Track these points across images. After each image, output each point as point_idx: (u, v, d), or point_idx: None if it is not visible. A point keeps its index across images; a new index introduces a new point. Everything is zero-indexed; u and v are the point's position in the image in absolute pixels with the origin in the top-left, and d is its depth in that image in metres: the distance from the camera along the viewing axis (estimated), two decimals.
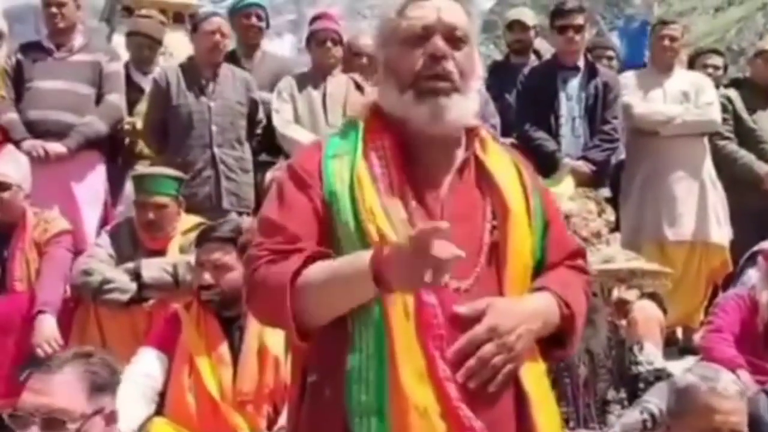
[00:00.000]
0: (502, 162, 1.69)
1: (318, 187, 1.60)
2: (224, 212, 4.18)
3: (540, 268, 1.67)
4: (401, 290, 1.48)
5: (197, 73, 4.40)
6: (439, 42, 1.60)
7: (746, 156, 4.82)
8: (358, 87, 4.53)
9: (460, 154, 1.66)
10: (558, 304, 1.61)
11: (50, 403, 1.88)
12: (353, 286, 1.49)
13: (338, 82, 4.57)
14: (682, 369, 2.68)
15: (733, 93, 5.01)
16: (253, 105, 4.48)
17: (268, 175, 4.33)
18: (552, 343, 1.65)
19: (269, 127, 4.51)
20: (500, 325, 1.52)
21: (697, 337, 3.96)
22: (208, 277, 2.96)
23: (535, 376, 1.59)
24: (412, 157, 1.63)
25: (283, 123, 4.44)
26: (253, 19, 4.90)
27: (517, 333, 1.53)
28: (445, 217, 1.57)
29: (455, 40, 1.62)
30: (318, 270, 1.53)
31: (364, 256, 1.48)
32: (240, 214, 4.21)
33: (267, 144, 4.58)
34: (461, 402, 1.49)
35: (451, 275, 1.48)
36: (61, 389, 1.91)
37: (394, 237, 1.51)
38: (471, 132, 1.70)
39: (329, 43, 4.56)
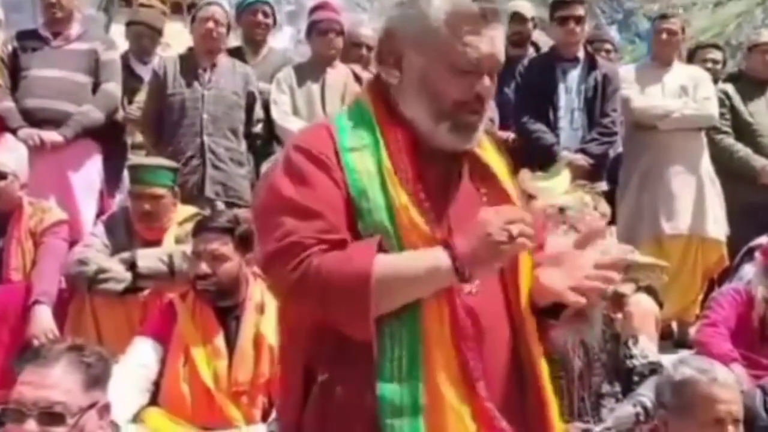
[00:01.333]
0: (496, 158, 1.70)
1: (339, 174, 1.53)
2: (208, 201, 4.17)
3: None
4: (482, 268, 1.49)
5: (195, 63, 4.39)
6: (488, 83, 1.57)
7: (743, 150, 4.82)
8: (358, 78, 4.52)
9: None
10: None
11: (49, 397, 1.86)
12: (430, 280, 1.48)
13: (337, 74, 4.55)
14: (672, 361, 2.68)
15: (730, 87, 5.01)
16: (251, 98, 4.46)
17: (264, 166, 4.32)
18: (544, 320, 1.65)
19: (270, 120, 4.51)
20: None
21: (692, 331, 3.97)
22: (205, 267, 2.96)
23: (545, 374, 1.62)
24: (421, 154, 1.60)
25: (282, 115, 4.43)
26: (260, 16, 4.89)
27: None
28: (454, 214, 1.58)
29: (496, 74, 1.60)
30: (391, 263, 1.47)
31: (434, 250, 1.48)
32: (229, 204, 4.19)
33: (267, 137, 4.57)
34: (490, 401, 1.51)
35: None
36: (59, 382, 1.89)
37: (426, 231, 1.51)
38: None
39: (332, 34, 4.55)
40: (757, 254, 3.55)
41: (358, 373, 1.50)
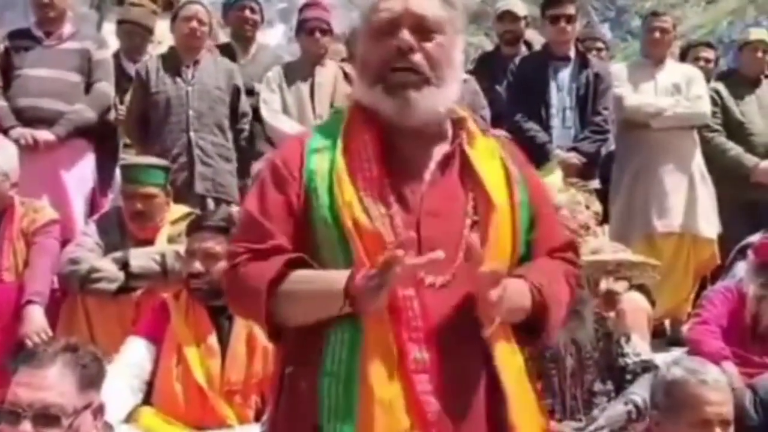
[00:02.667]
0: (489, 156, 1.66)
1: (297, 182, 1.60)
2: (198, 197, 4.16)
3: (524, 261, 1.65)
4: (367, 310, 1.49)
5: (177, 61, 4.37)
6: (405, 35, 1.58)
7: (735, 148, 4.83)
8: (347, 77, 4.52)
9: (444, 148, 1.64)
10: (531, 290, 1.59)
11: (44, 399, 1.87)
12: (327, 303, 1.51)
13: (327, 72, 4.55)
14: (665, 361, 2.69)
15: (721, 86, 5.01)
16: (236, 93, 4.45)
17: (255, 166, 4.32)
18: (527, 332, 1.63)
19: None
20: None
21: (685, 329, 3.99)
22: (198, 266, 2.96)
23: (514, 371, 1.58)
24: (393, 151, 1.61)
25: (271, 114, 4.43)
26: (247, 12, 4.88)
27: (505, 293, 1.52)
28: (423, 212, 1.57)
29: (425, 31, 1.59)
30: (296, 280, 1.55)
31: (339, 277, 1.50)
32: (218, 201, 4.19)
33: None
34: (430, 396, 1.49)
35: (426, 271, 1.50)
36: (55, 384, 1.89)
37: (371, 229, 1.52)
38: (457, 123, 1.67)
39: (318, 33, 4.55)
40: (750, 252, 3.56)
41: (313, 367, 1.53)
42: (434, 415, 1.48)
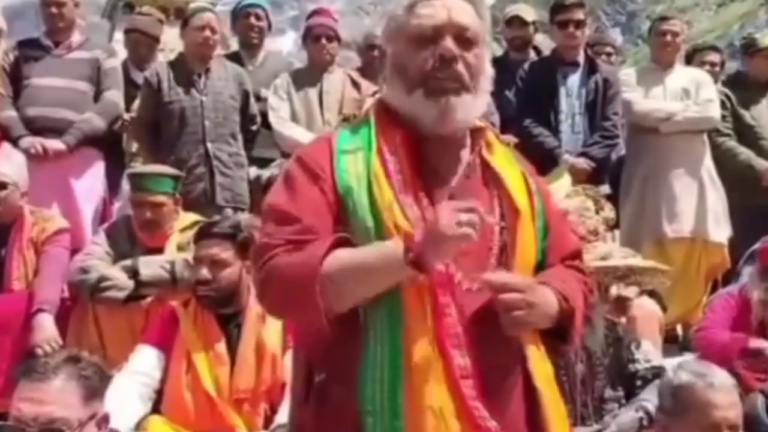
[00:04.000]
0: (508, 163, 1.69)
1: (330, 180, 1.59)
2: (219, 208, 4.18)
3: (539, 269, 1.67)
4: (434, 256, 1.47)
5: (188, 69, 4.38)
6: (449, 43, 1.59)
7: (745, 152, 4.81)
8: (354, 84, 4.53)
9: (466, 154, 1.66)
10: (558, 298, 1.60)
11: (50, 413, 1.86)
12: (385, 270, 1.49)
13: (335, 79, 4.56)
14: (672, 365, 2.67)
15: (730, 89, 4.98)
16: (245, 97, 4.47)
17: (265, 173, 4.33)
18: (552, 339, 1.65)
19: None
20: (529, 289, 1.54)
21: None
22: (205, 273, 2.96)
23: (545, 376, 1.60)
24: (422, 155, 1.62)
25: (280, 121, 4.44)
26: (252, 19, 4.90)
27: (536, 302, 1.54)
28: None
29: (465, 40, 1.61)
30: (345, 255, 1.51)
31: (394, 244, 1.49)
32: (235, 210, 4.20)
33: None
34: (477, 401, 1.50)
35: (462, 275, 1.52)
36: (59, 397, 1.88)
37: (411, 230, 1.52)
38: (476, 132, 1.69)
39: (324, 40, 4.56)
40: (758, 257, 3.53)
41: (349, 374, 1.52)
42: (484, 421, 1.50)
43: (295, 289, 1.50)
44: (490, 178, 1.65)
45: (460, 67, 1.60)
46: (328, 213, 1.57)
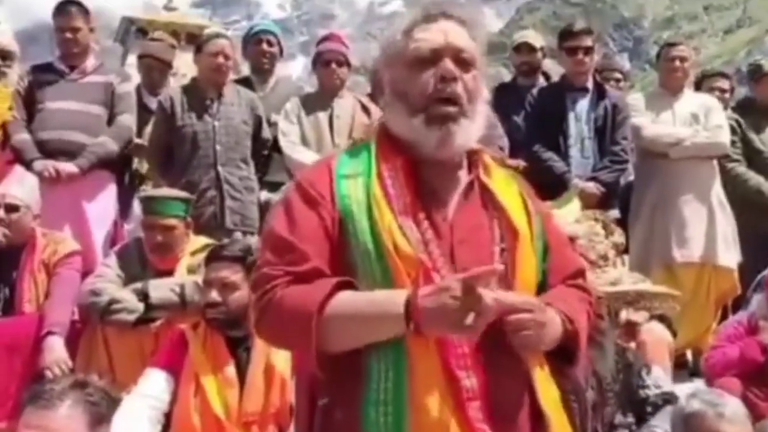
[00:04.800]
0: (506, 185, 1.70)
1: (329, 206, 1.60)
2: (228, 232, 4.20)
3: (540, 290, 1.67)
4: (434, 333, 1.47)
5: (201, 94, 4.43)
6: (449, 64, 1.61)
7: (755, 178, 4.81)
8: (365, 108, 4.56)
9: (463, 176, 1.68)
10: (561, 319, 1.61)
11: None
12: (382, 325, 1.49)
13: (345, 104, 4.59)
14: (685, 393, 2.67)
15: (739, 115, 4.99)
16: (258, 122, 4.50)
17: (275, 197, 4.34)
18: (557, 361, 1.64)
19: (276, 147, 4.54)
20: (538, 309, 1.55)
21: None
22: (214, 295, 2.96)
23: (552, 401, 1.59)
24: (421, 178, 1.63)
25: (290, 145, 4.46)
26: (264, 45, 4.94)
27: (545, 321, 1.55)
28: (455, 239, 1.59)
29: (463, 62, 1.63)
30: (345, 302, 1.52)
31: (396, 297, 1.48)
32: (244, 234, 4.22)
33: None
34: (483, 423, 1.49)
35: None
36: (65, 425, 1.87)
37: (411, 253, 1.53)
38: (473, 154, 1.70)
39: (333, 65, 4.59)
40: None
41: (352, 397, 1.52)
42: None
43: (292, 328, 1.53)
44: (489, 199, 1.66)
45: (460, 88, 1.62)
46: (325, 240, 1.58)
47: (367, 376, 1.52)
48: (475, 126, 1.65)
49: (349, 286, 1.54)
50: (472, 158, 1.70)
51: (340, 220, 1.59)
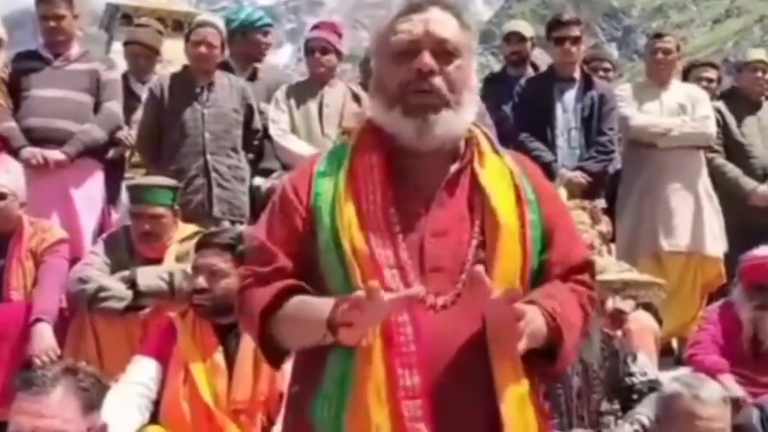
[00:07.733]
0: (498, 175, 1.65)
1: (304, 206, 1.62)
2: (215, 220, 4.19)
3: (537, 281, 1.63)
4: (347, 342, 1.50)
5: (191, 81, 4.41)
6: (426, 58, 1.58)
7: (733, 170, 4.83)
8: (355, 97, 4.55)
9: (455, 167, 1.64)
10: (544, 316, 1.55)
11: (49, 426, 1.85)
12: (314, 332, 1.53)
13: (335, 92, 4.58)
14: (669, 378, 2.71)
15: (722, 105, 5.01)
16: (249, 112, 4.49)
17: (264, 184, 4.34)
18: (541, 358, 1.59)
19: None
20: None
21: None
22: (202, 281, 2.96)
23: (514, 399, 1.53)
24: (403, 173, 1.62)
25: (281, 133, 4.46)
26: (264, 36, 4.93)
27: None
28: (427, 232, 1.58)
29: (445, 53, 1.60)
30: (290, 307, 1.58)
31: (327, 307, 1.50)
32: (233, 222, 4.21)
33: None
34: (420, 422, 1.47)
35: (427, 291, 1.50)
36: (58, 410, 1.88)
37: (368, 252, 1.53)
38: (469, 143, 1.67)
39: (318, 53, 4.57)
40: (739, 272, 3.57)
41: (312, 387, 1.56)
42: None
43: (249, 327, 1.65)
44: (477, 191, 1.62)
45: (438, 81, 1.58)
46: (294, 241, 1.61)
47: (324, 370, 1.55)
48: (463, 116, 1.62)
49: (301, 289, 1.59)
50: (469, 146, 1.66)
51: (312, 220, 1.60)
